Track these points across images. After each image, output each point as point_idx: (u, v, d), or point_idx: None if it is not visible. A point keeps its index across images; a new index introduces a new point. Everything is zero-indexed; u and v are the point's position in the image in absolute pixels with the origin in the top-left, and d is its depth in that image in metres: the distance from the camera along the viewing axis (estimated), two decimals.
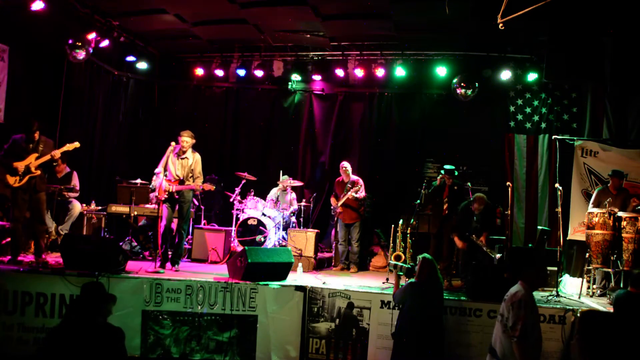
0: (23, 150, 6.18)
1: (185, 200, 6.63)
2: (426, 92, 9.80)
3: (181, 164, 6.59)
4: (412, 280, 5.16)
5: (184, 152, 6.59)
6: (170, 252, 6.67)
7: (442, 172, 7.46)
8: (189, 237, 8.08)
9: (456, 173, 7.51)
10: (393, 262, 6.00)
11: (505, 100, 9.39)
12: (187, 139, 6.60)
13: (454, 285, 6.76)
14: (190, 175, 6.63)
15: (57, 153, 6.23)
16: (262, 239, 8.17)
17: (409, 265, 5.69)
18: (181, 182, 6.56)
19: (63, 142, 6.50)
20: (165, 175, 6.56)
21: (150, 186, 8.09)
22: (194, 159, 6.65)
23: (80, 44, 7.93)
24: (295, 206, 8.71)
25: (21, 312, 5.54)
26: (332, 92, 10.30)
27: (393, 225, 7.11)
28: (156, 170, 6.63)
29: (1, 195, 6.78)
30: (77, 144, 6.46)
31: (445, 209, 7.30)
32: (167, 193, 6.47)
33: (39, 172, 6.19)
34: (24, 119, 6.35)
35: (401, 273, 5.55)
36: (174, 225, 6.94)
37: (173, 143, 6.61)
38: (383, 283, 6.56)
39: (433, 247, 7.35)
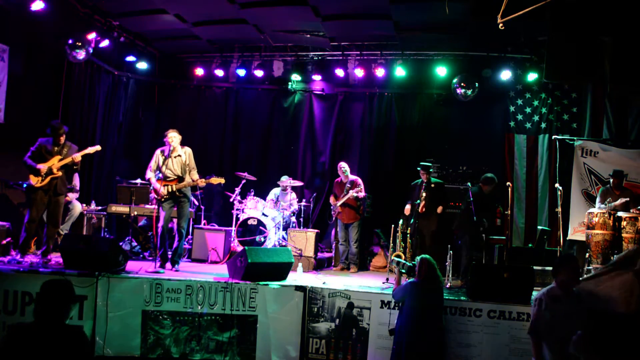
0: (48, 152, 6.31)
1: (186, 198, 6.64)
2: (426, 92, 9.81)
3: (176, 162, 6.58)
4: (412, 279, 5.16)
5: (175, 150, 6.59)
6: (170, 252, 6.67)
7: (418, 168, 7.45)
8: (189, 237, 8.08)
9: (431, 170, 7.52)
10: (396, 258, 5.99)
11: (505, 100, 9.41)
12: (174, 135, 6.60)
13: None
14: (187, 170, 6.63)
15: (77, 156, 6.34)
16: (262, 239, 8.17)
17: (410, 264, 5.68)
18: (180, 179, 6.56)
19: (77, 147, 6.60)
20: (166, 178, 6.53)
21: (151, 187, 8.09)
22: (186, 154, 6.66)
23: (80, 44, 7.94)
24: (295, 206, 8.70)
25: (21, 312, 5.53)
26: (332, 92, 10.31)
27: (393, 225, 7.11)
28: (147, 177, 6.63)
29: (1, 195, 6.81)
30: (98, 147, 6.65)
31: (422, 206, 7.24)
32: (168, 193, 6.47)
33: (60, 173, 6.29)
34: (23, 119, 6.39)
35: (403, 270, 5.54)
36: (173, 225, 6.94)
37: (158, 151, 6.65)
38: (383, 283, 6.56)
39: (410, 247, 7.28)
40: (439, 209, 7.31)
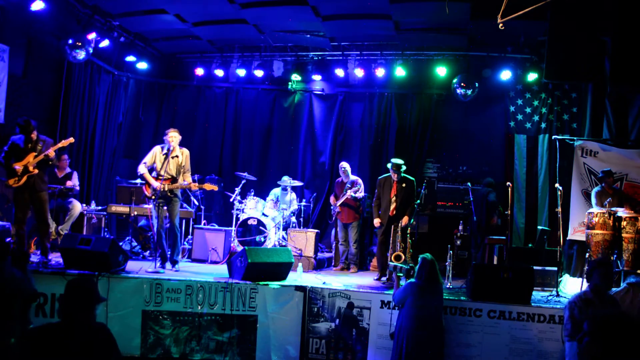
0: (22, 150, 6.20)
1: (177, 198, 6.62)
2: (426, 92, 9.80)
3: (173, 162, 6.57)
4: (412, 280, 5.15)
5: (174, 150, 6.59)
6: (168, 253, 6.65)
7: (389, 166, 7.09)
8: (189, 237, 8.08)
9: (403, 168, 6.99)
10: (392, 263, 6.00)
11: (505, 100, 9.42)
12: (175, 134, 6.60)
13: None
14: (182, 171, 6.62)
15: (51, 151, 6.23)
16: (262, 239, 8.17)
17: (407, 266, 5.68)
18: (174, 179, 6.55)
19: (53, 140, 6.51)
20: (159, 177, 6.50)
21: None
22: (183, 156, 6.66)
23: (80, 44, 7.94)
24: (295, 206, 8.70)
25: None
26: (332, 92, 10.31)
27: (393, 226, 7.10)
28: (140, 172, 6.53)
29: (1, 195, 6.79)
30: (71, 140, 6.49)
31: (394, 209, 6.91)
32: (160, 192, 6.43)
33: (36, 170, 6.18)
34: (23, 119, 6.36)
35: (400, 274, 5.54)
36: (170, 225, 6.90)
37: (157, 148, 6.63)
38: (383, 283, 6.56)
39: (380, 251, 7.05)
40: (404, 220, 6.85)
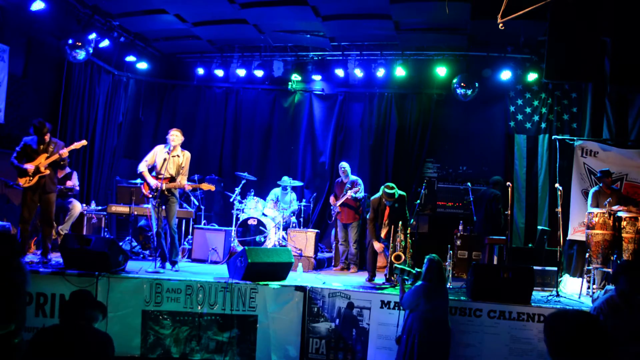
0: (34, 151, 6.25)
1: (175, 197, 6.61)
2: (426, 92, 9.80)
3: (173, 162, 6.57)
4: (421, 282, 5.06)
5: (175, 150, 6.59)
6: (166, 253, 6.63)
7: (380, 192, 6.84)
8: (189, 237, 8.07)
9: (396, 193, 6.67)
10: (399, 266, 5.95)
11: (505, 100, 9.43)
12: (177, 134, 6.61)
13: None
14: (180, 172, 6.63)
15: (65, 152, 6.29)
16: (262, 239, 8.17)
17: (414, 271, 5.58)
18: (172, 179, 6.55)
19: (64, 142, 6.54)
20: (158, 175, 6.49)
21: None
22: (184, 157, 6.66)
23: (80, 44, 7.95)
24: (295, 206, 8.71)
25: None
26: (332, 92, 10.31)
27: (393, 225, 7.09)
28: (140, 170, 6.53)
29: (1, 195, 6.79)
30: (84, 142, 6.59)
31: (386, 232, 6.76)
32: (157, 191, 6.40)
33: (48, 171, 6.23)
34: (23, 119, 6.38)
35: (407, 278, 5.45)
36: (167, 225, 6.88)
37: (159, 147, 6.64)
38: (383, 283, 6.56)
39: (372, 257, 6.95)
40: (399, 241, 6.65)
